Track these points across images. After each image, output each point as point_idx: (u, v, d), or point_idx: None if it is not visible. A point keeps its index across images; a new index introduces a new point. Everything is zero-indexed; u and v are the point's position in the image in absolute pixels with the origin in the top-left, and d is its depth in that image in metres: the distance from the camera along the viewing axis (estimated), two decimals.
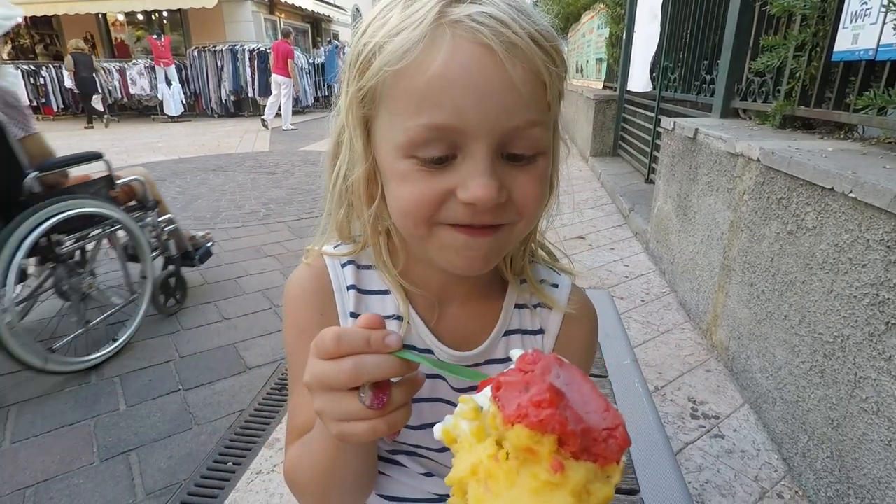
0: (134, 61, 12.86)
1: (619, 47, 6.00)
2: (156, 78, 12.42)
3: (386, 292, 0.62)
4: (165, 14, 14.13)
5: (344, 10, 18.81)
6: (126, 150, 8.20)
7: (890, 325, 1.20)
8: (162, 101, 12.45)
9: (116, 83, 12.58)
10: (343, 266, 0.63)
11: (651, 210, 3.55)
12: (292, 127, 10.59)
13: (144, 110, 13.27)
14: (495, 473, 0.32)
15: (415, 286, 0.60)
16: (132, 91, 12.64)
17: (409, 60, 0.45)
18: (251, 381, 2.18)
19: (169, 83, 12.36)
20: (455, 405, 0.61)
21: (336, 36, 18.41)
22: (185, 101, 12.80)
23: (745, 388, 2.01)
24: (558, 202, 0.62)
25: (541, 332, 0.66)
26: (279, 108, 10.62)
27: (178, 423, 1.93)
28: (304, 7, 15.05)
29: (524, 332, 0.66)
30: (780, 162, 1.76)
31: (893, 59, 1.72)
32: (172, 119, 12.44)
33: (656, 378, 2.14)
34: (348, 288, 0.62)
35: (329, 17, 17.78)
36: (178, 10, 13.12)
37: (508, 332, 0.64)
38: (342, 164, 0.57)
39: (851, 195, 1.35)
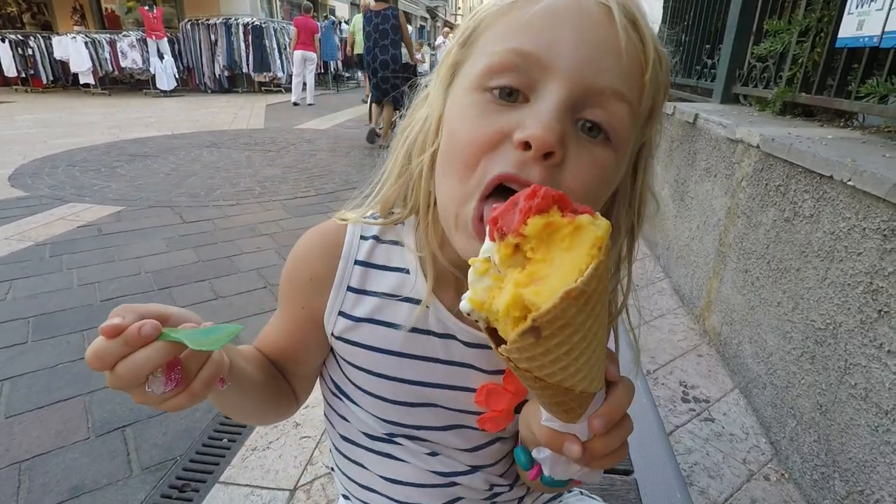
0: (125, 33, 12.56)
1: None
2: (147, 51, 12.15)
3: (405, 271, 0.61)
4: None
5: None
6: (117, 124, 8.07)
7: (882, 312, 1.22)
8: (154, 75, 12.21)
9: (107, 55, 12.31)
10: (365, 239, 0.62)
11: None
12: (312, 102, 10.68)
13: (136, 84, 13.02)
14: (534, 269, 0.36)
15: (448, 263, 0.57)
16: (123, 64, 12.37)
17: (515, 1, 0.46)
18: None
19: (161, 57, 12.11)
20: (450, 387, 0.62)
21: (332, 11, 18.03)
22: (177, 76, 12.56)
23: (735, 372, 2.04)
24: (637, 253, 0.60)
25: None
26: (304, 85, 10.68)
27: None
28: None
29: None
30: (779, 149, 1.75)
31: None
32: (165, 94, 12.23)
33: (649, 362, 2.17)
34: (356, 263, 0.61)
35: None
36: None
37: None
38: (413, 127, 0.57)
39: (850, 183, 1.35)
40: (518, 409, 0.63)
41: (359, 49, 10.33)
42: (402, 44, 6.20)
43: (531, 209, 0.37)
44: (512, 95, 0.45)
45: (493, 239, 0.39)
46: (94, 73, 12.24)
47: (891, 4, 1.72)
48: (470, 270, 0.39)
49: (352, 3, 20.33)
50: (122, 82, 13.27)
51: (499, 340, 0.39)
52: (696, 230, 2.56)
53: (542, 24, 0.44)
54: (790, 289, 1.65)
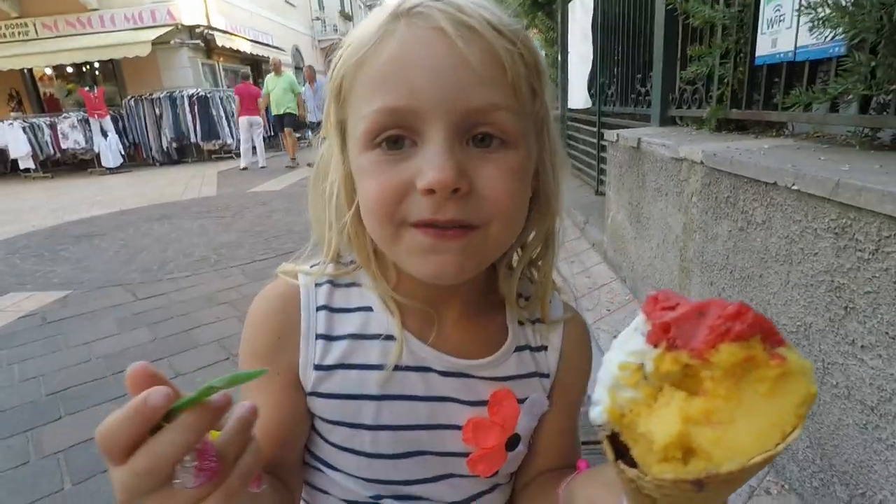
0: (65, 115, 12.31)
1: (556, 68, 6.23)
2: (90, 130, 11.92)
3: (368, 309, 0.59)
4: (97, 65, 13.69)
5: (283, 50, 18.81)
6: (61, 206, 7.75)
7: (848, 309, 1.23)
8: (99, 154, 11.95)
9: (48, 138, 11.99)
10: (319, 285, 0.60)
11: (605, 220, 3.63)
12: (265, 164, 10.67)
13: (80, 164, 12.68)
14: (712, 406, 0.30)
15: (408, 299, 0.57)
16: (65, 145, 12.06)
17: (366, 50, 0.47)
18: None
19: (105, 135, 11.90)
20: (434, 427, 0.57)
21: None
22: (123, 152, 12.33)
23: None
24: (562, 230, 0.60)
25: (543, 348, 0.63)
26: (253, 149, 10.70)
27: None
28: (242, 50, 14.94)
29: (531, 348, 0.63)
30: (722, 162, 1.82)
31: (811, 59, 1.83)
32: (111, 171, 11.93)
33: None
34: (318, 308, 0.59)
35: (268, 58, 17.73)
36: (111, 60, 12.75)
37: (519, 349, 0.62)
38: (333, 180, 0.56)
39: (795, 188, 1.40)
40: (509, 447, 0.60)
41: (273, 109, 9.99)
42: None
43: (728, 333, 0.30)
44: (398, 143, 0.47)
45: (652, 343, 0.32)
46: (35, 157, 11.86)
47: (798, 22, 1.86)
48: (613, 372, 0.34)
49: (296, 68, 20.78)
50: (64, 164, 12.89)
51: (618, 448, 0.33)
52: (657, 248, 2.61)
53: (394, 74, 0.45)
54: (756, 296, 1.67)
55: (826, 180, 1.27)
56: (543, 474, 0.64)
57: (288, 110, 9.98)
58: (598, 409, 0.34)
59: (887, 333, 1.12)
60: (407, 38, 0.45)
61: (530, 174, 0.52)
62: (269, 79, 10.13)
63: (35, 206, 7.92)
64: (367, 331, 0.58)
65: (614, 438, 0.34)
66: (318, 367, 0.58)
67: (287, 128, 10.32)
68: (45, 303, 3.68)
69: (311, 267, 0.62)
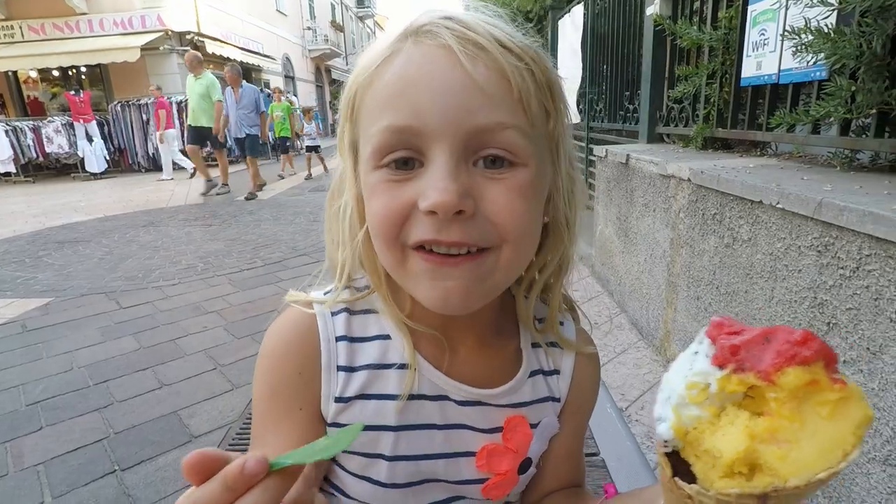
0: (49, 119, 12.15)
1: None
2: (75, 135, 11.77)
3: (386, 337, 0.58)
4: (84, 70, 13.55)
5: (274, 59, 18.82)
6: (43, 211, 7.63)
7: (831, 325, 1.27)
8: (83, 159, 11.79)
9: (31, 142, 11.80)
10: (335, 314, 0.58)
11: (593, 234, 3.68)
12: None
13: (63, 169, 12.49)
14: (777, 425, 0.32)
15: (422, 326, 0.56)
16: (48, 150, 11.89)
17: (374, 68, 0.47)
18: None
19: (90, 139, 11.75)
20: (450, 455, 0.58)
21: (267, 84, 18.31)
22: (108, 157, 12.18)
23: None
24: (573, 255, 0.58)
25: (555, 372, 0.63)
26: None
27: None
28: (232, 58, 14.91)
29: (543, 372, 0.63)
30: (709, 180, 1.87)
31: (795, 81, 1.89)
32: (95, 176, 11.78)
33: (619, 399, 2.16)
34: (337, 339, 0.57)
35: (259, 66, 17.72)
36: (98, 65, 12.63)
37: (533, 373, 0.62)
38: (346, 200, 0.56)
39: (779, 206, 1.44)
40: (521, 471, 0.60)
41: (190, 119, 7.69)
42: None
43: (794, 358, 0.32)
44: (408, 164, 0.46)
45: (718, 364, 0.34)
46: (16, 161, 11.66)
47: (782, 47, 1.92)
48: (679, 391, 0.35)
49: (286, 76, 20.79)
50: (47, 168, 12.70)
51: (677, 465, 0.35)
52: (644, 263, 2.65)
53: (399, 93, 0.45)
54: (742, 311, 1.71)
55: (809, 199, 1.31)
56: (551, 494, 0.65)
57: (206, 123, 7.70)
58: (665, 426, 0.35)
59: (868, 349, 1.15)
60: (413, 57, 0.45)
61: (542, 195, 0.51)
62: (189, 81, 7.77)
63: (15, 212, 7.77)
64: (385, 360, 0.57)
65: (674, 455, 0.35)
66: (338, 400, 0.56)
67: (211, 146, 8.12)
68: (26, 310, 3.61)
69: (325, 294, 0.60)
